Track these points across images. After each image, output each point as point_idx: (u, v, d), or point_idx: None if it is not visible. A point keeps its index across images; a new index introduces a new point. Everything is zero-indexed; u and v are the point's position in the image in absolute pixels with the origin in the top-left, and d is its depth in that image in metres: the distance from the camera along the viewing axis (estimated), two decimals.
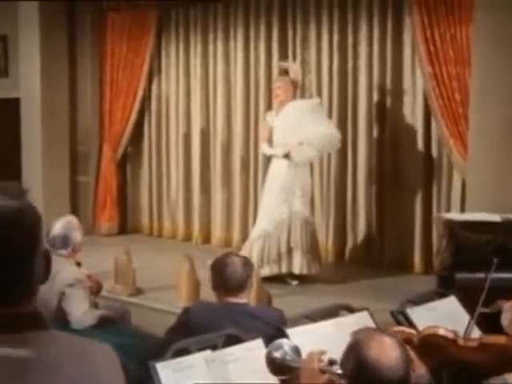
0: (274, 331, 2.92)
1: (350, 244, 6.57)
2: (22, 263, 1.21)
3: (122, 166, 7.99)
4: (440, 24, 5.74)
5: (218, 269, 2.96)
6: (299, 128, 5.62)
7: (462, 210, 5.81)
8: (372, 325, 3.13)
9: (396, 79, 6.26)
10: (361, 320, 3.16)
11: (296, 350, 2.29)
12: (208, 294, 5.24)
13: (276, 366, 2.21)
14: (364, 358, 1.68)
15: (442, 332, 2.39)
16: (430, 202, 6.16)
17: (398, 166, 6.31)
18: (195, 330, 2.83)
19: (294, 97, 5.85)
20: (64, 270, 3.66)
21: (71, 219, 3.95)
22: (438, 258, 4.43)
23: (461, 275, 4.25)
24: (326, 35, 6.53)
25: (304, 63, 6.68)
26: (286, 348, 2.27)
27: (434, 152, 6.11)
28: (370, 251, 6.45)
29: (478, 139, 5.00)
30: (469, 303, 3.28)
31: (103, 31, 7.77)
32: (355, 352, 1.71)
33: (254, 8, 6.92)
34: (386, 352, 1.68)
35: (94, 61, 7.81)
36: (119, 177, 7.94)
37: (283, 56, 6.72)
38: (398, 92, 6.26)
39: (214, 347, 2.57)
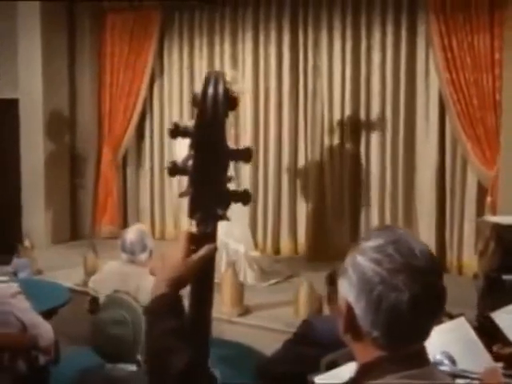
0: None
1: None
2: None
3: (122, 168, 7.92)
4: (457, 32, 5.93)
5: (337, 281, 3.03)
6: None
7: (478, 210, 6.07)
8: (469, 330, 3.26)
9: (410, 85, 6.41)
10: (458, 326, 3.30)
11: (452, 360, 2.41)
12: (246, 297, 5.34)
13: None
14: None
15: None
16: (443, 203, 6.37)
17: (411, 169, 6.49)
18: (318, 342, 2.89)
19: None
20: (145, 283, 3.65)
21: (142, 226, 3.99)
22: (485, 260, 4.62)
23: (508, 277, 4.44)
24: (339, 40, 6.63)
25: (315, 68, 6.78)
26: (446, 361, 2.38)
27: (448, 155, 6.31)
28: None
29: (511, 142, 5.24)
30: None
31: (103, 32, 7.67)
32: None
33: (264, 12, 6.95)
34: None
35: (93, 62, 7.71)
36: (120, 179, 7.87)
37: (294, 61, 6.82)
38: (411, 97, 6.42)
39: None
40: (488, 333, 3.30)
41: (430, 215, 6.38)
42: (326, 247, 6.88)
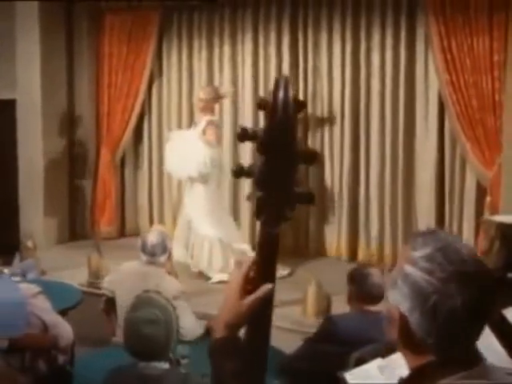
0: None
1: (362, 243, 6.78)
2: None
3: (120, 169, 7.92)
4: (457, 34, 6.00)
5: (360, 280, 3.09)
6: None
7: (477, 210, 6.16)
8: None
9: (409, 86, 6.47)
10: None
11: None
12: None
13: None
14: None
15: None
16: (442, 203, 6.45)
17: (411, 169, 6.55)
18: (341, 339, 2.95)
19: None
20: (165, 282, 3.70)
21: (163, 228, 4.05)
22: (489, 259, 4.68)
23: None
24: (339, 42, 6.68)
25: (315, 69, 6.83)
26: None
27: (447, 155, 6.38)
28: (383, 250, 6.68)
29: None
30: None
31: (101, 33, 7.66)
32: None
33: (264, 13, 6.98)
34: None
35: (91, 63, 7.71)
36: (118, 180, 7.87)
37: (294, 62, 6.87)
38: (411, 98, 6.48)
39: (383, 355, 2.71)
40: (499, 329, 3.37)
41: (429, 215, 6.45)
42: (324, 245, 6.96)
